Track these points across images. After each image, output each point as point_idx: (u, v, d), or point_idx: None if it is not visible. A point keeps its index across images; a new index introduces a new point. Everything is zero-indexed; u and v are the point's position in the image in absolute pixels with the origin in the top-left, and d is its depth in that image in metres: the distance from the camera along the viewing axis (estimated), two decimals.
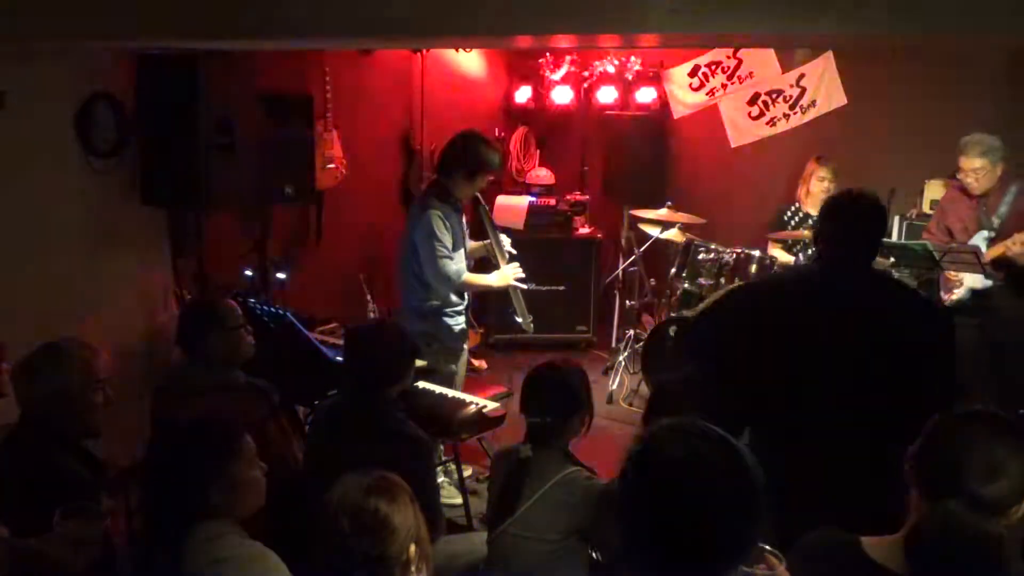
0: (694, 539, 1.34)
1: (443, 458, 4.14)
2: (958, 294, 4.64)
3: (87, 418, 2.59)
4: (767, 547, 1.62)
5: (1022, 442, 1.70)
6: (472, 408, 3.63)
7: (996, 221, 4.49)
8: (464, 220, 4.21)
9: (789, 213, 5.49)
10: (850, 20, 1.97)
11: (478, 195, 4.23)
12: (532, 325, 4.35)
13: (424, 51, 5.90)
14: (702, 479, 1.34)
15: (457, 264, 4.02)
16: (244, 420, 2.56)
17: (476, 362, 6.14)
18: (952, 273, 4.54)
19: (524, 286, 4.23)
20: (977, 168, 4.46)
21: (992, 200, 4.53)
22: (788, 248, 5.49)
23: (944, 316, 3.07)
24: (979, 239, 4.53)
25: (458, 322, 4.16)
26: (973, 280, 4.54)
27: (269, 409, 3.05)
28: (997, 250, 4.39)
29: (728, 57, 6.30)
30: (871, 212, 2.61)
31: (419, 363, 3.87)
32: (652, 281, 6.23)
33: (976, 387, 4.54)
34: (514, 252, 4.30)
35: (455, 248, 4.05)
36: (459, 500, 3.92)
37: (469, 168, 4.05)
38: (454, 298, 4.11)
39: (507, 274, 4.16)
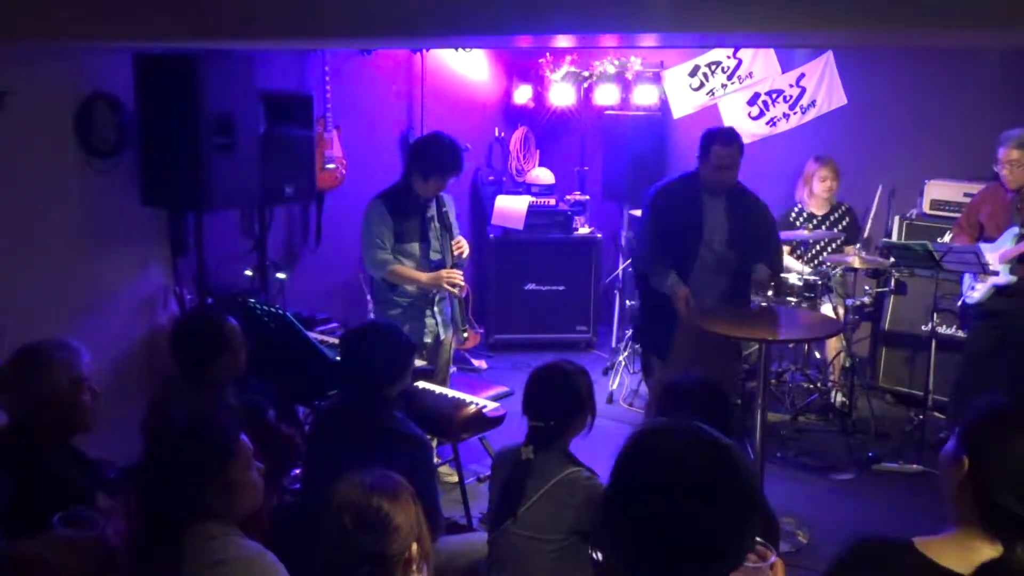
0: (684, 542, 1.32)
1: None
2: (981, 290, 4.60)
3: (78, 418, 2.58)
4: (758, 539, 1.60)
5: None
6: (472, 408, 3.63)
7: None
8: (438, 215, 4.24)
9: (795, 214, 5.49)
10: (850, 20, 1.97)
11: (442, 196, 4.26)
12: (467, 337, 4.50)
13: (424, 51, 5.90)
14: (691, 481, 1.33)
15: (386, 255, 4.11)
16: None
17: (476, 362, 6.15)
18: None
19: (455, 290, 4.23)
20: (1014, 160, 4.44)
21: None
22: (791, 250, 5.49)
23: None
24: (1008, 235, 4.51)
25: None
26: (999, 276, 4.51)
27: (265, 429, 3.03)
28: None
29: (728, 57, 6.31)
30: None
31: (419, 363, 3.89)
32: None
33: (986, 386, 4.56)
34: (463, 260, 4.36)
35: (402, 240, 4.14)
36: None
37: (423, 169, 4.14)
38: (407, 290, 4.19)
39: (441, 275, 4.16)
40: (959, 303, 4.83)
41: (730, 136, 4.22)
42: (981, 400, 1.73)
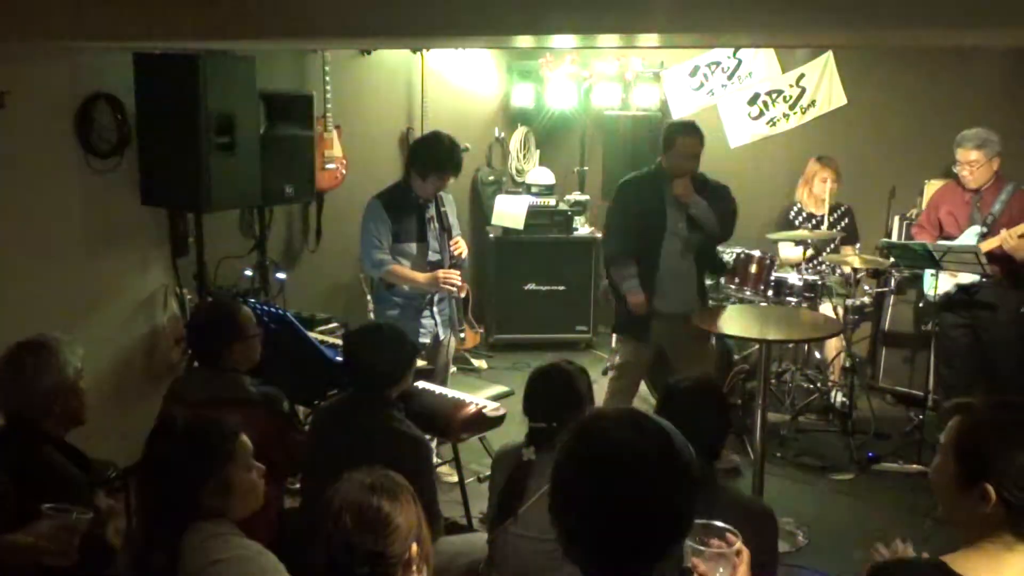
0: (625, 526, 1.36)
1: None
2: (944, 289, 4.62)
3: (76, 411, 2.60)
4: (723, 524, 1.63)
5: None
6: (472, 408, 3.62)
7: (989, 218, 4.50)
8: (437, 215, 4.23)
9: (793, 213, 5.49)
10: (850, 20, 1.97)
11: (441, 196, 4.25)
12: (464, 338, 4.54)
13: (424, 51, 5.90)
14: (632, 464, 1.36)
15: (383, 255, 4.10)
16: (262, 434, 2.53)
17: (476, 362, 6.15)
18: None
19: (453, 290, 4.22)
20: (972, 160, 4.46)
21: (987, 197, 4.53)
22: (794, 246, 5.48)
23: None
24: (971, 233, 4.52)
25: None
26: (962, 276, 4.54)
27: (284, 419, 3.05)
28: (992, 243, 4.39)
29: (728, 57, 6.31)
30: None
31: (419, 363, 3.89)
32: None
33: (965, 386, 4.58)
34: (463, 260, 4.36)
35: (400, 240, 4.14)
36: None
37: (421, 169, 4.14)
38: (403, 290, 4.19)
39: (438, 275, 4.14)
40: (920, 302, 4.84)
41: (693, 127, 4.45)
42: (967, 417, 1.67)
